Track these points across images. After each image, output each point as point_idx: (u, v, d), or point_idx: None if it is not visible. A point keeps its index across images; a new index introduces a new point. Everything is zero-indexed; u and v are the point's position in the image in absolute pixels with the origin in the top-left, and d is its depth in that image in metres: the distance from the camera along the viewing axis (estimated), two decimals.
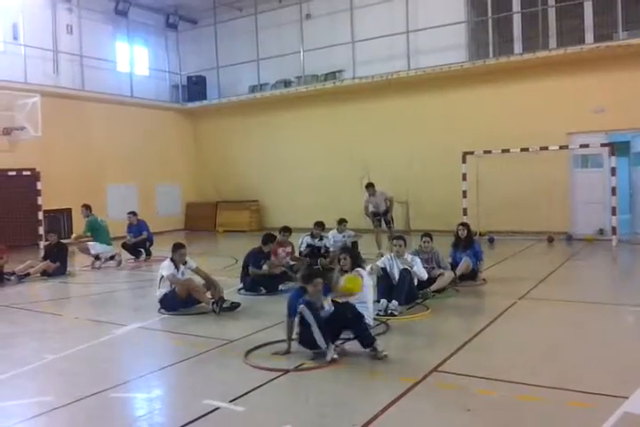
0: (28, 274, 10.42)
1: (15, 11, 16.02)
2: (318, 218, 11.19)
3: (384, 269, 7.33)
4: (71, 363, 5.48)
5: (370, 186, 12.33)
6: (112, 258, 11.98)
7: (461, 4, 15.93)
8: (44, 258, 10.96)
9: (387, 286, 7.15)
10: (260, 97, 18.80)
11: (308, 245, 10.62)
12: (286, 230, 9.94)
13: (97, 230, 12.11)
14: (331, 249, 10.62)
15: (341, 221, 11.35)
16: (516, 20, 15.50)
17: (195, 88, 20.44)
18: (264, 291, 8.56)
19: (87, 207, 12.31)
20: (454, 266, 8.57)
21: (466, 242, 8.83)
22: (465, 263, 8.51)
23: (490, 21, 15.89)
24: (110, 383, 4.78)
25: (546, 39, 14.77)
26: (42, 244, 12.97)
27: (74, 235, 12.02)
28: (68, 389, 4.76)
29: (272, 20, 18.79)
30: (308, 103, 18.23)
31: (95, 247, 11.89)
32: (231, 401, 4.31)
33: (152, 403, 4.52)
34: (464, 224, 9.11)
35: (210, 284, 7.65)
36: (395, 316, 6.72)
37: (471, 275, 8.67)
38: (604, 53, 13.70)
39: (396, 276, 7.27)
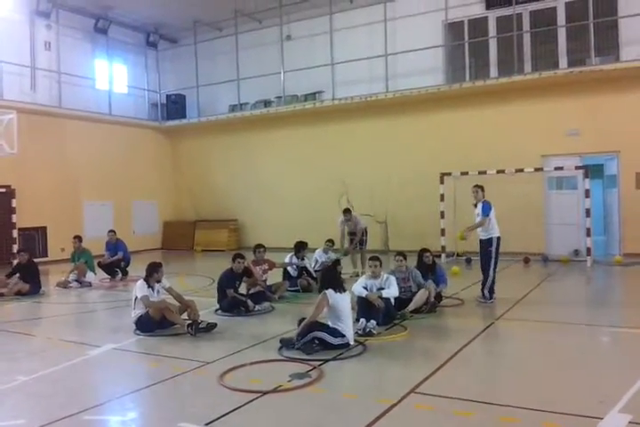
0: (2, 294, 10.28)
1: None
2: (297, 237, 11.27)
3: (364, 288, 7.35)
4: (44, 385, 5.36)
5: (347, 211, 12.34)
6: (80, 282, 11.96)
7: (439, 29, 16.26)
8: (8, 276, 10.79)
9: (365, 306, 7.15)
10: (240, 116, 18.85)
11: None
12: (260, 247, 9.95)
13: (91, 260, 12.40)
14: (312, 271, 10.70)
15: (328, 242, 11.53)
16: (492, 45, 15.84)
17: (174, 107, 20.42)
18: (242, 311, 8.48)
19: (80, 239, 12.53)
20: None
21: (431, 267, 8.89)
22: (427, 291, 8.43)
23: (466, 46, 16.22)
24: (84, 406, 4.69)
25: (521, 64, 15.10)
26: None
27: (73, 267, 12.17)
28: (40, 411, 4.66)
29: (252, 41, 18.95)
30: (288, 123, 18.34)
31: (90, 276, 12.10)
32: (207, 424, 4.24)
33: (126, 426, 4.43)
34: (427, 250, 9.06)
35: (184, 305, 7.58)
36: (373, 335, 6.73)
37: (436, 298, 8.59)
38: (577, 78, 14.05)
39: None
